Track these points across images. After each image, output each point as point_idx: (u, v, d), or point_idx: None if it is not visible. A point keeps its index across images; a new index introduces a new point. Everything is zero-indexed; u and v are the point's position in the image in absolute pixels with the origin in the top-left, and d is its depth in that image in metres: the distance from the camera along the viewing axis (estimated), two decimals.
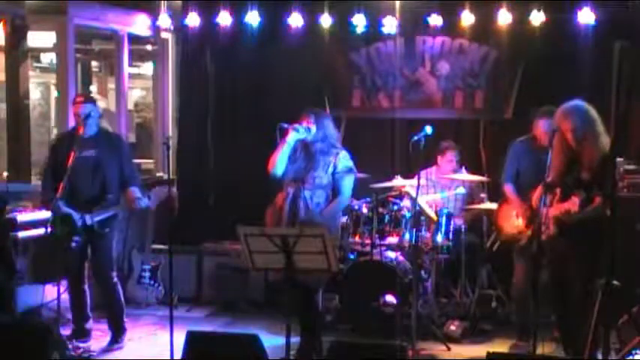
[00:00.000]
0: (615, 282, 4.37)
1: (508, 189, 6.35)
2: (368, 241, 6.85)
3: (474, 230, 7.27)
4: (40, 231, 6.42)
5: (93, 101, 6.34)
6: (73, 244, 5.99)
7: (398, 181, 7.01)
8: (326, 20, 7.78)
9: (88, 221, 6.05)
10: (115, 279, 6.40)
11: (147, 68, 10.79)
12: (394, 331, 6.26)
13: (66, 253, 5.99)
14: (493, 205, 6.92)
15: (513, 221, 6.23)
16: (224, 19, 8.05)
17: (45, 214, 6.29)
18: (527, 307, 6.33)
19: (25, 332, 4.89)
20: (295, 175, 5.81)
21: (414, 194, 6.25)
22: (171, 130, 8.85)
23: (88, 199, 6.13)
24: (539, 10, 7.24)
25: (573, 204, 5.28)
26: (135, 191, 6.21)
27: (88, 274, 6.44)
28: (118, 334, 6.39)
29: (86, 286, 6.43)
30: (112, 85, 10.62)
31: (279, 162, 5.80)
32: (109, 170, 6.19)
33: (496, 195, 7.12)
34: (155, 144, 9.18)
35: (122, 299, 6.50)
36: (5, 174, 7.89)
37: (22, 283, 6.82)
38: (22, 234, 6.68)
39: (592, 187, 5.30)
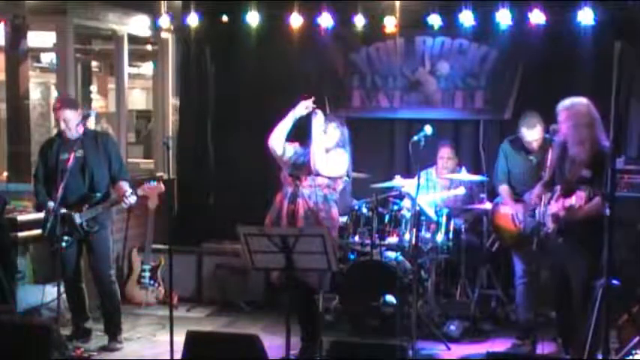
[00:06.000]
0: (615, 282, 4.38)
1: (503, 190, 6.40)
2: (368, 241, 6.86)
3: (474, 230, 7.27)
4: (40, 231, 6.42)
5: (73, 107, 6.31)
6: (63, 244, 5.99)
7: (398, 181, 7.02)
8: (326, 20, 7.77)
9: (77, 220, 6.08)
10: (114, 278, 6.42)
11: (147, 68, 10.79)
12: (394, 331, 6.26)
13: (59, 253, 5.99)
14: None
15: (511, 221, 6.26)
16: (224, 19, 8.04)
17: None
18: (527, 305, 6.36)
19: (25, 332, 4.89)
20: (294, 171, 5.81)
21: (413, 194, 6.25)
22: (171, 130, 8.85)
23: (76, 198, 6.15)
24: (539, 10, 7.23)
25: (579, 198, 5.27)
26: (124, 186, 6.24)
27: (85, 275, 6.46)
28: (115, 334, 6.39)
29: (83, 285, 6.44)
30: (112, 85, 10.63)
31: (276, 136, 5.85)
32: (97, 169, 6.22)
33: (495, 195, 7.14)
34: (155, 144, 9.18)
35: (119, 298, 6.52)
36: (5, 174, 7.90)
37: (22, 283, 6.82)
38: (22, 234, 6.69)
39: (593, 184, 5.30)
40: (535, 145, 6.28)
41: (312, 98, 5.84)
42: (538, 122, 6.25)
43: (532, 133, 6.26)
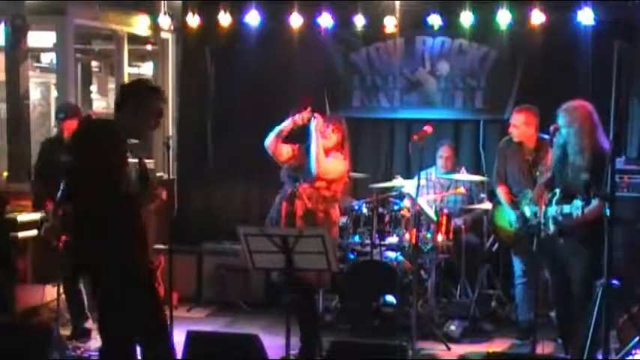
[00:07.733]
0: (615, 282, 4.38)
1: (500, 190, 6.40)
2: (368, 241, 6.86)
3: (474, 230, 7.27)
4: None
5: (79, 117, 6.33)
6: (61, 244, 5.99)
7: (398, 181, 7.01)
8: (326, 20, 7.77)
9: None
10: None
11: (147, 68, 10.79)
12: (394, 331, 6.26)
13: (55, 253, 5.98)
14: None
15: (508, 222, 6.26)
16: (224, 19, 8.04)
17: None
18: (527, 305, 6.37)
19: (25, 332, 4.89)
20: (292, 173, 5.82)
21: (413, 194, 6.25)
22: (171, 130, 8.85)
23: None
24: (539, 10, 7.24)
25: (577, 208, 5.26)
26: None
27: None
28: None
29: (82, 286, 6.43)
30: (112, 85, 10.62)
31: (272, 138, 5.83)
32: None
33: (495, 195, 7.14)
34: (155, 144, 9.17)
35: None
36: (5, 174, 7.90)
37: (22, 283, 6.82)
38: (22, 234, 6.69)
39: (592, 187, 5.29)
40: (516, 132, 6.25)
41: (309, 110, 5.81)
42: (524, 110, 6.25)
43: (517, 117, 6.26)
